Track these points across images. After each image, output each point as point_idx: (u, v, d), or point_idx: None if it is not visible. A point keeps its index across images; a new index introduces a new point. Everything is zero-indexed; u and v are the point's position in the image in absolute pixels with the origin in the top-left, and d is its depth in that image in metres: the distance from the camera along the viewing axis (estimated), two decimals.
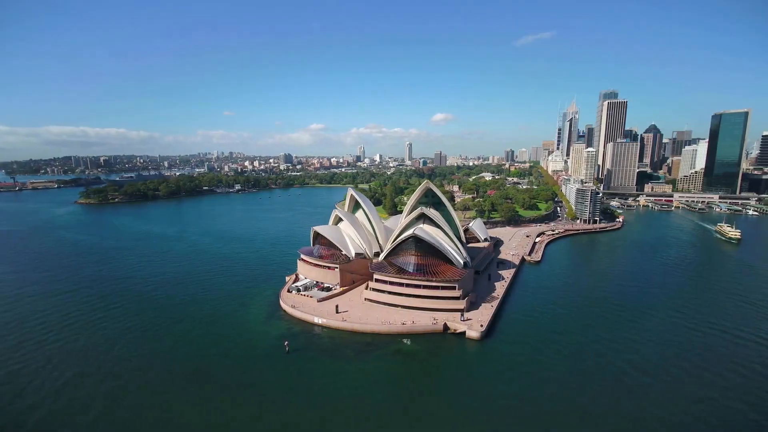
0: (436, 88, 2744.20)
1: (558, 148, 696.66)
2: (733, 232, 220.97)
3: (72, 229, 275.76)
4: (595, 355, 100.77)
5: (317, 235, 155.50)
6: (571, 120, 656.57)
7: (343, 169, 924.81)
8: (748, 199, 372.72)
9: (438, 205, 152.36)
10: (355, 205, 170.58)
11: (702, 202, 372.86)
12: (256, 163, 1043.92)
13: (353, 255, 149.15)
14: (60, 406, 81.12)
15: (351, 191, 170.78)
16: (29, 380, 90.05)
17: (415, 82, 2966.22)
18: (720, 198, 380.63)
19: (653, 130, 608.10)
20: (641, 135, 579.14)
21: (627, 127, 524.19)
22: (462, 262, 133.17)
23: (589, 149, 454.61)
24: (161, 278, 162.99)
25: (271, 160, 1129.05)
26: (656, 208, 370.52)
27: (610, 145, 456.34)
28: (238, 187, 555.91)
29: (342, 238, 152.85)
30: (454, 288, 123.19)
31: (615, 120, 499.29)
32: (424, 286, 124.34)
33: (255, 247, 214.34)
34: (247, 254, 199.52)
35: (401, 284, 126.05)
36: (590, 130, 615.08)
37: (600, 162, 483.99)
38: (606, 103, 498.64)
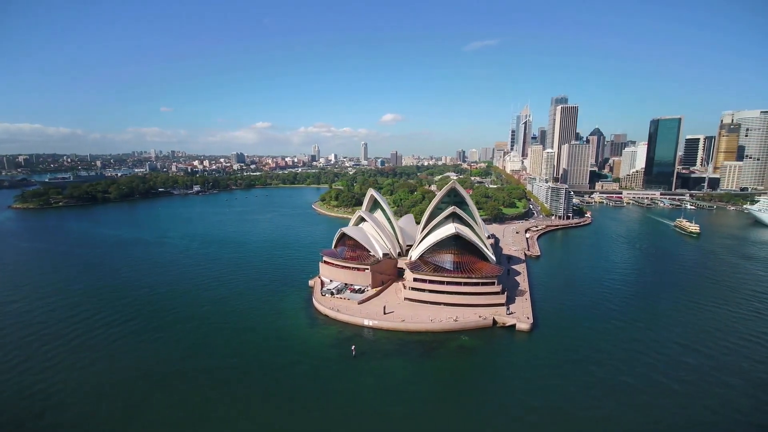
0: (385, 89, 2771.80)
1: (513, 149, 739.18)
2: (693, 227, 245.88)
3: (24, 236, 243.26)
4: (637, 336, 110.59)
5: (343, 236, 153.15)
6: (525, 123, 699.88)
7: (300, 169, 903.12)
8: (683, 195, 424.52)
9: (461, 204, 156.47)
10: (374, 206, 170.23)
11: (648, 198, 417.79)
12: (206, 163, 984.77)
13: (380, 255, 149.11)
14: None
15: (371, 191, 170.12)
16: (97, 399, 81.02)
17: (364, 82, 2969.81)
18: (661, 194, 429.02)
19: (597, 132, 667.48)
20: (587, 137, 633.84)
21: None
22: (494, 259, 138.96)
23: (549, 150, 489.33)
24: (171, 287, 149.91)
25: (222, 160, 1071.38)
26: (610, 204, 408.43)
27: (565, 147, 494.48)
28: (197, 188, 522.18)
29: (368, 239, 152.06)
30: (494, 283, 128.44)
31: (567, 123, 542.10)
32: (466, 283, 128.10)
33: (252, 251, 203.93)
34: (248, 258, 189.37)
35: (443, 282, 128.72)
36: (543, 132, 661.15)
37: (555, 162, 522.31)
38: (560, 107, 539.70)
